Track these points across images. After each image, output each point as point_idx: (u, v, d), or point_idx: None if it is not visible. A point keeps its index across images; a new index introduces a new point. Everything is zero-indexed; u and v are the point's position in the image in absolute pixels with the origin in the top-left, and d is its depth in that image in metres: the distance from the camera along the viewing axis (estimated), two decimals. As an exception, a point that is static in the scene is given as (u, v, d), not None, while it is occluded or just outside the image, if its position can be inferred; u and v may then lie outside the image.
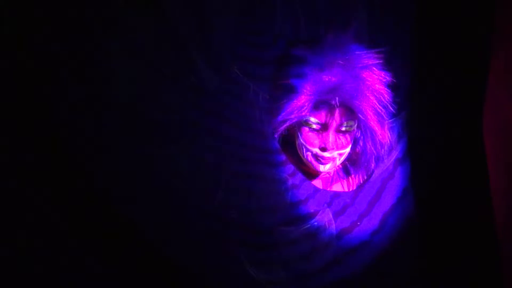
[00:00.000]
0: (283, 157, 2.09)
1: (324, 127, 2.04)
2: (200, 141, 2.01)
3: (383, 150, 2.10)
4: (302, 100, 2.01)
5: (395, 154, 2.13)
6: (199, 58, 2.00)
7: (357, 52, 2.02)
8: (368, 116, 2.03)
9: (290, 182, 2.07)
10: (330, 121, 2.03)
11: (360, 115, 2.03)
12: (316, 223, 2.06)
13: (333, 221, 2.08)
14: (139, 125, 1.98)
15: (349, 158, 2.15)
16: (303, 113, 2.02)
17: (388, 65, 2.06)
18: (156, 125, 1.98)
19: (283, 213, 2.05)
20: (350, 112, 2.03)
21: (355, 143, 2.11)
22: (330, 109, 2.02)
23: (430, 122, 2.11)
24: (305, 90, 2.01)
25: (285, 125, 2.05)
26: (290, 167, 2.09)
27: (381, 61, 2.03)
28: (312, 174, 2.16)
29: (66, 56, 1.93)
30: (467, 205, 2.07)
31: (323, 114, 2.03)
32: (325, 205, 2.09)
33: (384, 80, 2.04)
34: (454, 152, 2.08)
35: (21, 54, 1.91)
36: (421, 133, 2.12)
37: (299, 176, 2.10)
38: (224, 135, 2.04)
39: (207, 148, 2.01)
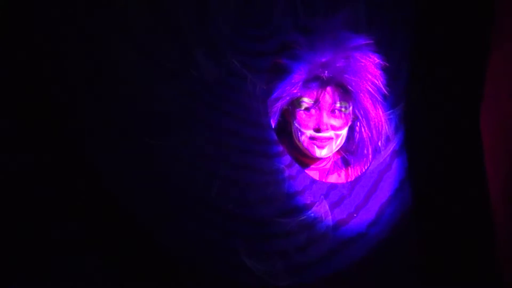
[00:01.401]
0: (280, 148, 2.09)
1: (317, 107, 2.04)
2: (198, 132, 2.01)
3: (379, 136, 2.10)
4: (294, 78, 2.01)
5: (392, 146, 2.13)
6: (198, 50, 2.00)
7: (349, 34, 2.03)
8: (362, 95, 2.04)
9: (287, 173, 2.07)
10: (323, 99, 2.03)
11: (353, 93, 2.03)
12: (312, 214, 2.06)
13: (330, 213, 2.07)
14: (137, 117, 1.98)
15: (346, 148, 2.15)
16: (295, 91, 2.02)
17: (386, 55, 2.06)
18: (154, 117, 1.99)
19: (280, 204, 2.05)
20: (343, 93, 2.03)
21: (351, 131, 2.11)
22: (322, 85, 2.02)
23: (427, 114, 2.10)
24: (297, 69, 2.01)
25: (278, 105, 2.05)
26: (287, 158, 2.09)
27: (373, 44, 2.03)
28: (308, 163, 2.15)
29: (64, 47, 1.93)
30: (464, 197, 2.06)
31: (314, 92, 2.03)
32: (322, 196, 2.09)
33: (377, 63, 2.03)
34: (452, 144, 2.08)
35: (20, 50, 1.92)
36: (418, 125, 2.12)
37: (296, 167, 2.09)
38: (222, 126, 2.04)
39: (204, 139, 2.02)
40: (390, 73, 2.08)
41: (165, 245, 1.99)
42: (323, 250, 2.06)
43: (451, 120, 2.08)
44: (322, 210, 2.08)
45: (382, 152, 2.13)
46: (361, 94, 2.04)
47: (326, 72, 2.01)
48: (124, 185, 1.97)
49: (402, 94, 2.12)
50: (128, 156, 1.97)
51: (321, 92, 2.03)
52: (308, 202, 2.08)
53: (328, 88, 2.03)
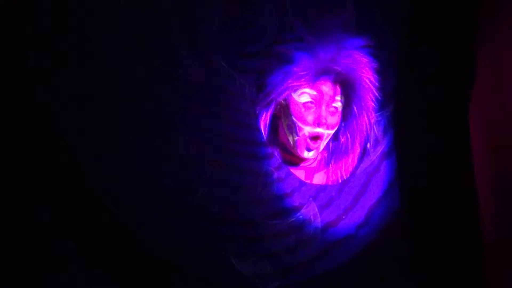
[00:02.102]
0: (269, 150, 2.09)
1: (317, 101, 2.04)
2: (185, 134, 2.01)
3: (370, 131, 2.11)
4: (300, 70, 2.02)
5: (381, 148, 2.13)
6: (186, 50, 2.00)
7: (349, 34, 2.05)
8: (364, 91, 2.07)
9: (275, 175, 2.07)
10: (328, 93, 2.04)
11: (350, 91, 2.05)
12: (301, 216, 2.06)
13: (319, 215, 2.07)
14: (124, 118, 1.97)
15: (332, 147, 2.16)
16: (299, 83, 2.03)
17: (376, 57, 2.07)
18: (141, 118, 1.98)
19: (269, 206, 2.05)
20: (342, 89, 2.06)
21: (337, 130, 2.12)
22: (331, 81, 2.04)
23: (416, 116, 2.11)
24: (302, 61, 2.02)
25: (275, 97, 2.05)
26: (276, 160, 2.09)
27: (368, 48, 2.04)
28: (294, 162, 2.16)
29: (50, 48, 1.93)
30: (453, 198, 2.07)
31: (320, 86, 2.04)
32: (311, 198, 2.09)
33: (371, 65, 2.05)
34: (440, 145, 2.08)
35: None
36: (407, 127, 2.12)
37: (285, 169, 2.09)
38: (210, 127, 2.04)
39: (192, 141, 2.01)
40: (379, 75, 2.09)
41: (153, 247, 1.98)
42: (312, 251, 2.06)
43: (439, 122, 2.08)
44: (311, 212, 2.08)
45: (371, 154, 2.13)
46: (354, 93, 2.05)
47: (328, 68, 2.02)
48: (110, 186, 1.96)
49: (391, 96, 2.12)
50: (115, 157, 1.96)
51: (328, 87, 2.04)
52: (297, 204, 2.08)
53: (329, 85, 2.04)
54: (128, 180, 1.97)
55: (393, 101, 2.12)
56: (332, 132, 2.08)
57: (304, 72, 2.02)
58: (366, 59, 2.05)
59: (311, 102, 2.05)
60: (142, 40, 1.96)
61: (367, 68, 2.06)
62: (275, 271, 2.03)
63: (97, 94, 1.94)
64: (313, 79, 2.03)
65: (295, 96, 2.05)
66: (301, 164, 2.16)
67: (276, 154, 2.11)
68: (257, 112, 2.07)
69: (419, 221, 2.10)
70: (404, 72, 2.11)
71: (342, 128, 2.13)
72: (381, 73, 2.09)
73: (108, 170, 1.96)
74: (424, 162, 2.10)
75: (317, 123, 2.05)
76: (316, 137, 2.07)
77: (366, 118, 2.10)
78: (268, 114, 2.09)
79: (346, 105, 2.09)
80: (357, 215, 2.09)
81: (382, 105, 2.12)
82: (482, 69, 2.02)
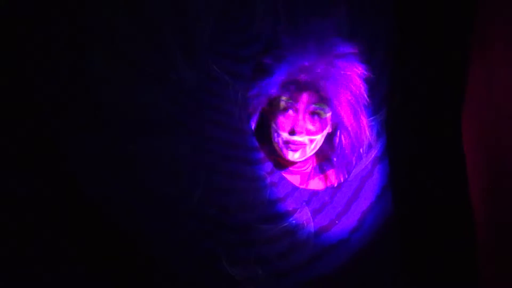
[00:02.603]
0: (262, 154, 2.09)
1: (295, 108, 2.05)
2: (179, 138, 2.01)
3: (360, 144, 2.11)
4: (274, 78, 2.02)
5: (374, 153, 2.13)
6: (179, 55, 2.00)
7: (334, 41, 2.04)
8: (339, 102, 2.04)
9: (268, 179, 2.07)
10: (300, 100, 2.04)
11: (330, 99, 2.03)
12: (294, 221, 2.06)
13: (312, 219, 2.07)
14: (118, 123, 1.97)
15: (327, 155, 2.15)
16: (272, 91, 2.03)
17: (368, 62, 2.07)
18: (134, 123, 1.98)
19: (262, 211, 2.05)
20: (320, 96, 2.04)
21: (331, 138, 2.11)
22: (298, 89, 2.03)
23: (409, 120, 2.11)
24: (278, 70, 2.02)
25: (256, 104, 2.06)
26: (269, 165, 2.09)
27: (358, 54, 2.04)
28: (288, 166, 2.16)
29: (44, 53, 1.94)
30: (446, 204, 2.07)
31: (292, 94, 2.04)
32: (304, 203, 2.09)
33: (359, 72, 2.04)
34: (433, 150, 2.09)
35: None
36: (400, 132, 2.13)
37: (278, 173, 2.10)
38: (203, 132, 2.04)
39: (185, 145, 2.01)
40: (372, 80, 2.09)
41: (145, 251, 1.98)
42: (305, 256, 2.05)
43: (432, 127, 2.09)
44: (304, 216, 2.08)
45: (363, 159, 2.13)
46: (337, 102, 2.04)
47: (303, 76, 2.01)
48: (104, 190, 1.96)
49: (384, 101, 2.13)
50: (108, 162, 1.96)
51: (299, 95, 2.03)
52: (290, 208, 2.08)
53: (305, 92, 2.03)
54: (121, 183, 1.97)
55: (386, 105, 2.12)
56: (316, 137, 2.08)
57: (278, 80, 2.02)
58: (354, 69, 2.05)
59: (287, 109, 2.06)
60: (134, 44, 1.96)
61: (352, 75, 2.04)
62: (267, 276, 2.02)
63: (89, 98, 1.94)
64: (287, 87, 2.03)
65: (274, 103, 2.06)
66: (294, 168, 2.17)
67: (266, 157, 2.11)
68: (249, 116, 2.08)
69: (412, 226, 2.09)
70: (397, 77, 2.11)
71: (338, 134, 2.13)
72: (373, 77, 2.09)
73: (100, 174, 1.96)
74: (417, 167, 2.10)
75: (293, 131, 2.05)
76: (289, 142, 2.07)
77: (353, 124, 2.09)
78: (253, 120, 2.10)
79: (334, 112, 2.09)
80: (350, 220, 2.09)
81: (375, 109, 2.13)
82: (475, 73, 2.02)
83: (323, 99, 2.04)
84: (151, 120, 1.99)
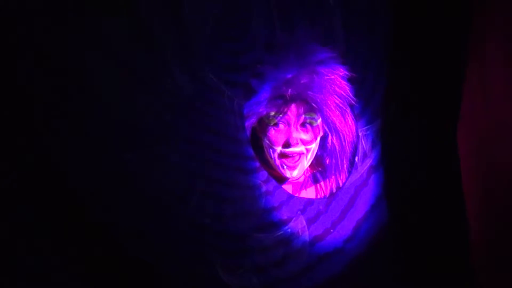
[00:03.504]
0: (257, 163, 2.09)
1: (285, 122, 2.05)
2: (174, 147, 2.01)
3: (352, 147, 2.11)
4: (259, 97, 2.04)
5: (369, 162, 2.14)
6: (175, 63, 2.01)
7: (313, 48, 2.05)
8: (328, 109, 2.05)
9: (263, 188, 2.07)
10: (289, 114, 2.05)
11: (318, 107, 2.04)
12: (289, 230, 2.06)
13: (307, 228, 2.08)
14: (113, 130, 1.98)
15: (319, 163, 2.16)
16: (260, 109, 2.04)
17: (362, 72, 2.08)
18: (130, 130, 1.98)
19: (257, 219, 2.05)
20: (309, 106, 2.05)
21: (323, 145, 2.12)
22: (285, 103, 2.04)
23: (404, 130, 2.12)
24: (262, 88, 2.03)
25: (248, 123, 2.07)
26: (264, 174, 2.09)
27: (337, 56, 2.05)
28: (282, 178, 2.16)
29: (42, 59, 1.94)
30: (441, 213, 2.07)
31: (281, 108, 2.05)
32: (299, 212, 2.09)
33: (342, 74, 2.05)
34: (428, 159, 2.09)
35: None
36: (395, 141, 2.13)
37: (273, 182, 2.10)
38: (199, 140, 2.04)
39: (181, 154, 2.02)
40: (355, 78, 2.09)
41: (141, 259, 1.98)
42: (300, 265, 2.05)
43: (427, 136, 2.09)
44: (299, 225, 2.08)
45: (358, 168, 2.14)
46: (327, 108, 2.05)
47: (289, 90, 2.02)
48: (99, 199, 1.96)
49: (379, 110, 2.13)
50: (103, 170, 1.96)
51: (287, 108, 2.04)
52: (285, 217, 2.08)
53: (293, 104, 2.04)
54: (117, 192, 1.97)
55: (381, 115, 2.13)
56: (311, 146, 2.09)
57: (264, 98, 2.04)
58: (336, 72, 2.05)
59: (279, 124, 2.06)
60: (131, 52, 1.97)
61: (335, 78, 2.05)
62: (262, 285, 2.02)
63: (84, 106, 1.94)
64: (274, 102, 2.04)
65: (264, 120, 2.07)
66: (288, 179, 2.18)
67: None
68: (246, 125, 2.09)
69: (406, 235, 2.10)
70: (392, 87, 2.12)
71: (329, 140, 2.14)
72: (356, 76, 2.09)
73: (95, 183, 1.96)
74: (411, 177, 2.10)
75: (288, 143, 2.06)
76: (286, 155, 2.07)
77: (342, 129, 2.10)
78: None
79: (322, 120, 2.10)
80: (345, 229, 2.09)
81: (370, 119, 2.13)
82: (470, 83, 2.03)
83: (312, 108, 2.05)
84: (147, 128, 1.99)
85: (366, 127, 2.14)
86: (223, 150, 2.07)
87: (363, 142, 2.13)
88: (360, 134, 2.14)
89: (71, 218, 1.97)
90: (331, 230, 2.09)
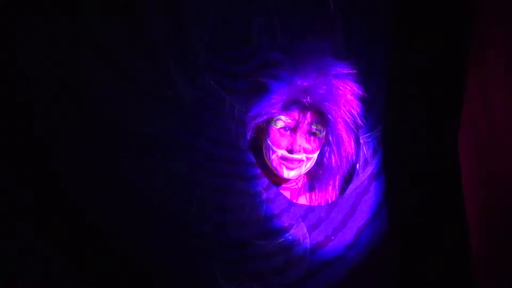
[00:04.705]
0: (258, 170, 2.10)
1: (293, 128, 2.06)
2: (175, 154, 2.02)
3: (348, 165, 2.11)
4: (275, 98, 2.04)
5: (370, 169, 2.14)
6: (175, 71, 2.01)
7: (331, 61, 2.05)
8: (337, 122, 2.06)
9: (264, 195, 2.08)
10: (301, 121, 2.05)
11: (329, 119, 2.05)
12: (290, 237, 2.07)
13: (308, 235, 2.08)
14: (113, 138, 1.98)
15: (315, 173, 2.16)
16: (274, 111, 2.04)
17: (364, 79, 2.08)
18: (130, 138, 1.99)
19: (258, 227, 2.05)
20: (320, 117, 2.05)
21: (321, 156, 2.12)
22: (302, 110, 2.05)
23: (405, 137, 2.12)
24: (278, 90, 2.03)
25: (254, 123, 2.07)
26: (265, 181, 2.10)
27: (354, 74, 2.05)
28: (278, 182, 2.17)
29: (42, 68, 1.95)
30: (442, 220, 2.07)
31: (293, 114, 2.05)
32: (300, 219, 2.09)
33: (355, 92, 2.05)
34: (429, 167, 2.09)
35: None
36: (396, 148, 2.13)
37: (274, 189, 2.10)
38: (199, 148, 2.05)
39: (182, 161, 2.02)
40: (368, 98, 2.10)
41: (142, 266, 1.98)
42: (301, 272, 2.05)
43: (428, 143, 2.09)
44: (300, 232, 2.08)
45: (360, 175, 2.14)
46: (337, 121, 2.06)
47: (308, 97, 2.02)
48: (99, 206, 1.97)
49: (380, 117, 2.13)
50: (103, 178, 1.97)
51: (301, 116, 2.05)
52: (286, 224, 2.08)
53: (309, 112, 2.05)
54: (117, 200, 1.98)
55: (382, 122, 2.13)
56: (312, 156, 2.09)
57: (279, 100, 2.04)
58: (349, 86, 2.06)
59: (285, 128, 2.07)
60: (131, 60, 1.98)
61: (349, 96, 2.06)
62: (263, 292, 2.03)
63: (84, 114, 1.95)
64: (288, 107, 2.05)
65: (272, 121, 2.07)
66: (284, 184, 2.18)
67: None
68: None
69: (408, 243, 2.09)
70: (393, 95, 2.12)
71: (326, 154, 2.14)
72: (370, 95, 2.10)
73: (96, 190, 1.97)
74: (412, 184, 2.10)
75: (291, 150, 2.07)
76: (286, 159, 2.08)
77: (345, 146, 2.10)
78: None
79: (328, 132, 2.10)
80: (346, 236, 2.09)
81: (371, 126, 2.13)
82: (471, 91, 2.03)
83: (323, 119, 2.05)
84: (147, 136, 2.00)
85: (368, 134, 2.14)
86: (224, 157, 2.07)
87: (364, 149, 2.13)
88: (361, 141, 2.14)
89: (70, 228, 1.98)
90: (332, 237, 2.09)
